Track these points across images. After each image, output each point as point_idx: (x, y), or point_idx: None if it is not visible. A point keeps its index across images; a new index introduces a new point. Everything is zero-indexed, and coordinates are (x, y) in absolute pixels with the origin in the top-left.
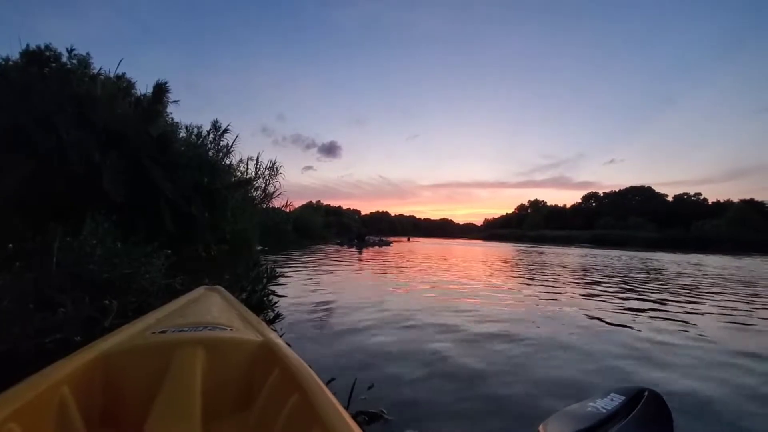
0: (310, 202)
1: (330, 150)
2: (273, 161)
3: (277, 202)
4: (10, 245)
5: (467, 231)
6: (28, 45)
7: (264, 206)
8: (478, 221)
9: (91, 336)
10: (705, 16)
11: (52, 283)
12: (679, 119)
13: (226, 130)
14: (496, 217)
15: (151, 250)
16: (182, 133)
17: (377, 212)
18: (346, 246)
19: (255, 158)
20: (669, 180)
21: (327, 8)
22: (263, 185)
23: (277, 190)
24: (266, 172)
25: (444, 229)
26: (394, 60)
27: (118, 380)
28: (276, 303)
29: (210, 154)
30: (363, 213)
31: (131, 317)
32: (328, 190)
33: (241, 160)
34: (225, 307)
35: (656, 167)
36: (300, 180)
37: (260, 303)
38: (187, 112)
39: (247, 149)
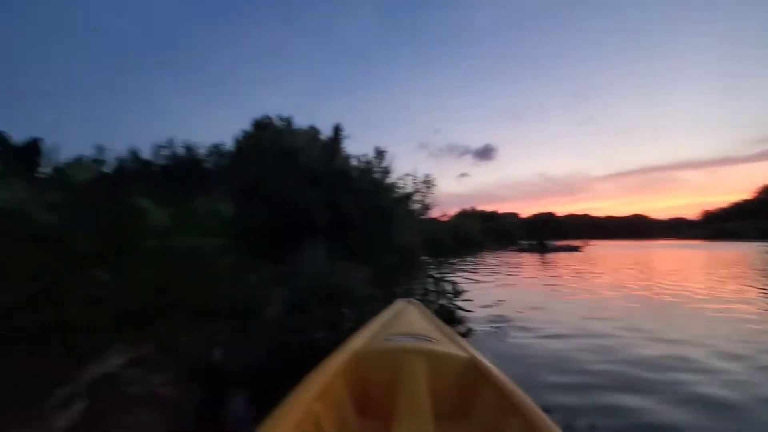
0: (464, 209)
1: (484, 153)
2: (427, 174)
3: (433, 213)
4: (264, 268)
5: (674, 228)
6: (254, 118)
7: (423, 218)
8: (691, 215)
9: (335, 335)
10: None
11: (301, 294)
12: None
13: (384, 153)
14: (722, 206)
15: (360, 268)
16: (354, 162)
17: (540, 213)
18: (526, 252)
19: (411, 174)
20: None
21: (466, 9)
22: (421, 198)
23: (433, 201)
24: (422, 186)
25: (636, 227)
26: (555, 42)
27: (366, 376)
28: (464, 317)
29: (376, 176)
30: (523, 215)
31: (356, 322)
32: (484, 195)
33: (399, 178)
34: (426, 320)
35: None
36: (455, 188)
37: (450, 317)
38: (357, 142)
39: (406, 166)
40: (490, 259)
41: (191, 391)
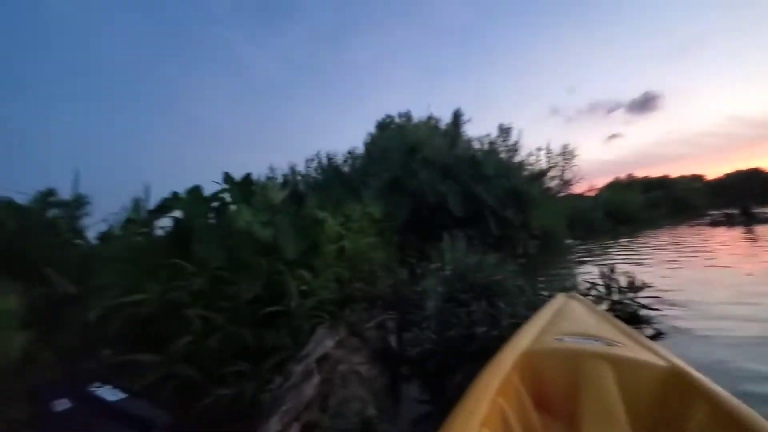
0: (617, 178)
1: (643, 105)
2: (565, 144)
3: (577, 188)
4: (412, 260)
5: None
6: (377, 120)
7: (564, 195)
8: None
9: (496, 331)
10: None
11: (453, 287)
12: None
13: (509, 130)
14: None
15: (503, 257)
16: (477, 145)
17: (738, 171)
18: (722, 226)
19: (544, 148)
20: None
21: None
22: (559, 173)
23: (575, 174)
24: (560, 159)
25: None
26: None
27: (541, 375)
28: (648, 316)
29: (501, 156)
30: (710, 177)
31: (512, 317)
32: (645, 157)
33: (530, 153)
34: (600, 318)
35: None
36: (603, 154)
37: (631, 316)
38: (479, 123)
39: (536, 139)
40: (662, 238)
41: (378, 370)
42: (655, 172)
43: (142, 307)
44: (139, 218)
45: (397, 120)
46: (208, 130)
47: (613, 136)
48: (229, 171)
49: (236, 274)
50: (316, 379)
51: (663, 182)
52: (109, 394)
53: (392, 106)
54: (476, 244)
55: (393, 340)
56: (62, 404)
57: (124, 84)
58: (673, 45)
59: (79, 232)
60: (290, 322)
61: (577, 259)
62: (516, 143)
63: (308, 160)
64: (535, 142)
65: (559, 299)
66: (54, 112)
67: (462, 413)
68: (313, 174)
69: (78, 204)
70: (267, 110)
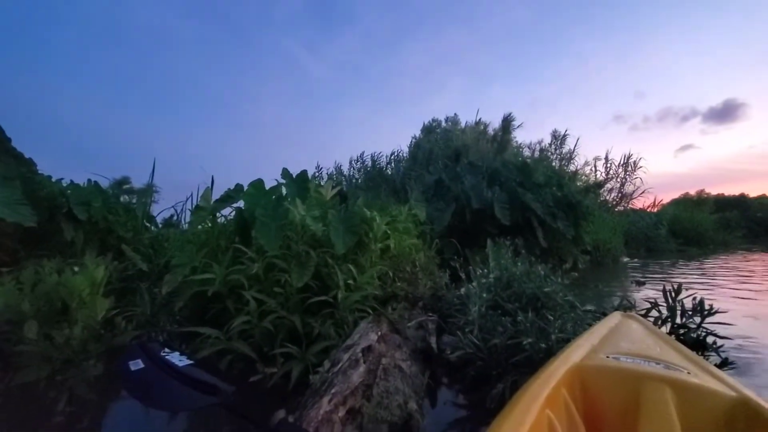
0: (686, 194)
1: (723, 114)
2: (628, 155)
3: (639, 202)
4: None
5: None
6: (424, 123)
7: (623, 208)
8: None
9: (544, 344)
10: None
11: (498, 295)
12: None
13: (564, 137)
14: None
15: (553, 269)
16: (527, 151)
17: None
18: None
19: (603, 157)
20: None
21: None
22: (618, 185)
23: (638, 188)
24: (620, 170)
25: None
26: None
27: (592, 392)
28: (719, 346)
29: (554, 164)
30: None
31: (561, 331)
32: (722, 173)
33: (586, 163)
34: (660, 341)
35: None
36: (672, 167)
37: (696, 342)
38: (531, 129)
39: (596, 147)
40: (734, 262)
41: (418, 368)
42: (732, 190)
43: (207, 286)
44: (206, 206)
45: (443, 124)
46: (269, 130)
47: (684, 147)
48: (285, 167)
49: (289, 263)
50: (362, 368)
51: (740, 201)
52: (177, 359)
53: (440, 110)
54: (522, 254)
55: (433, 341)
56: (136, 364)
57: (197, 87)
58: (764, 48)
59: (150, 216)
60: (335, 314)
61: (635, 279)
62: (571, 151)
63: (353, 160)
64: (594, 151)
65: (615, 317)
66: (131, 113)
67: (509, 421)
68: (357, 174)
69: (149, 191)
70: (320, 111)
